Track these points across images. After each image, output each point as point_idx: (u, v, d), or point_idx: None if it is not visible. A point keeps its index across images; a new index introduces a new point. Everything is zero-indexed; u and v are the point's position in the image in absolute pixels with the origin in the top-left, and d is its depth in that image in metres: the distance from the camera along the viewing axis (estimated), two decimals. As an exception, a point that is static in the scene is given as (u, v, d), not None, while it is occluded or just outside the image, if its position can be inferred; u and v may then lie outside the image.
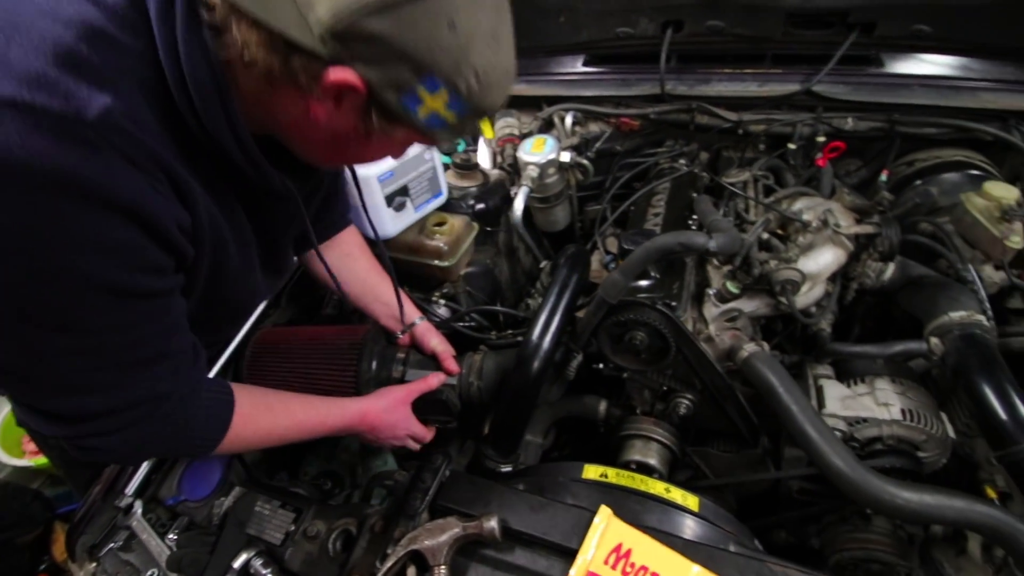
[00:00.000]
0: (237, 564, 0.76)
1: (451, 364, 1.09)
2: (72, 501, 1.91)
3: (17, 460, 1.96)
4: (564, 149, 1.40)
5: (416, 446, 1.07)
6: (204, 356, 0.77)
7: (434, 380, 1.05)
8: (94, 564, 0.84)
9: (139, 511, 0.86)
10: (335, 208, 1.10)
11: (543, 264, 1.37)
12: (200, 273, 0.70)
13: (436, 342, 1.11)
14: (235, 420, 0.77)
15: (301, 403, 0.90)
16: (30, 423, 0.65)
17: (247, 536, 0.81)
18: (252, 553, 0.77)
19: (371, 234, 1.19)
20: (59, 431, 0.64)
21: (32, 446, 2.02)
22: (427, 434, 1.06)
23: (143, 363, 0.65)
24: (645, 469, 1.02)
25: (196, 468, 0.90)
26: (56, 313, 0.56)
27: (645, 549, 0.65)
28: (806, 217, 1.11)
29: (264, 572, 0.75)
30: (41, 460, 1.94)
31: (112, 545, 0.84)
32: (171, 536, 0.84)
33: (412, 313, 1.14)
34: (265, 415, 0.84)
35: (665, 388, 1.09)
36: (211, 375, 1.02)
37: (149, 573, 0.81)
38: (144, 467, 0.89)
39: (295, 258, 1.08)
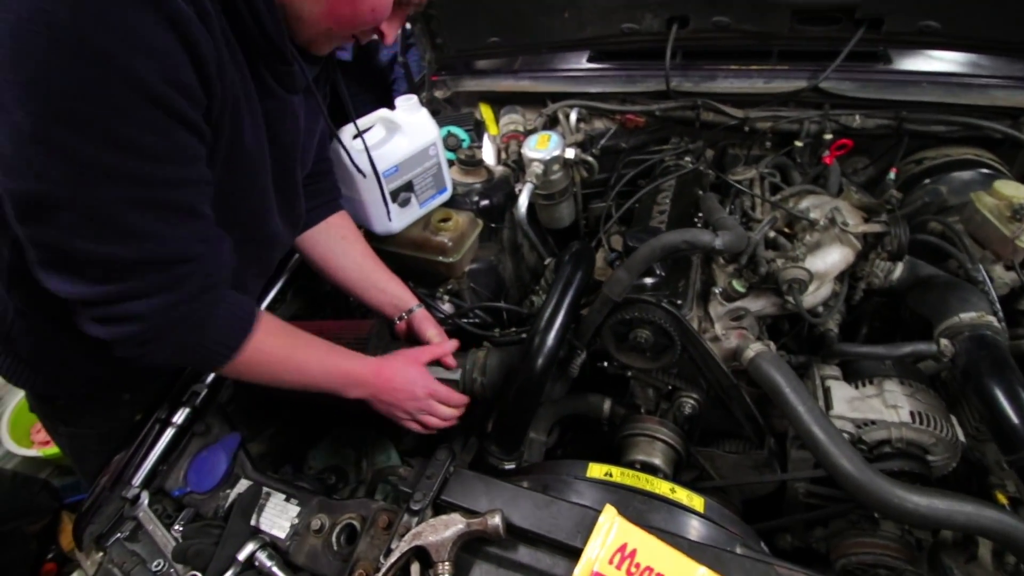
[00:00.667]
0: (242, 556, 0.76)
1: (445, 355, 1.07)
2: (80, 491, 1.93)
3: (25, 450, 1.99)
4: (568, 146, 1.39)
5: (439, 420, 1.01)
6: (229, 247, 0.76)
7: (448, 346, 1.04)
8: (101, 554, 0.84)
9: (145, 502, 0.86)
10: (327, 188, 1.10)
11: (547, 261, 1.36)
12: (220, 140, 0.68)
13: (433, 332, 1.10)
14: (256, 333, 0.78)
15: (322, 342, 0.91)
16: (61, 286, 0.64)
17: (252, 528, 0.81)
18: (257, 545, 0.77)
19: (375, 228, 1.19)
20: (90, 291, 0.63)
21: (41, 436, 2.04)
22: (452, 395, 1.02)
23: (181, 211, 0.65)
24: (649, 469, 1.02)
25: (202, 460, 0.90)
26: (101, 117, 0.55)
27: (651, 549, 0.65)
28: (813, 215, 1.10)
29: (268, 564, 0.76)
30: (49, 450, 1.96)
31: (119, 535, 0.85)
32: (177, 527, 0.84)
33: (409, 300, 1.13)
34: (286, 338, 0.85)
35: (670, 387, 1.09)
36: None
37: (155, 563, 0.81)
38: (151, 458, 0.89)
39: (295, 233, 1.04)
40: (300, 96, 0.86)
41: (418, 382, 0.98)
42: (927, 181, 1.28)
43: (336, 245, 1.11)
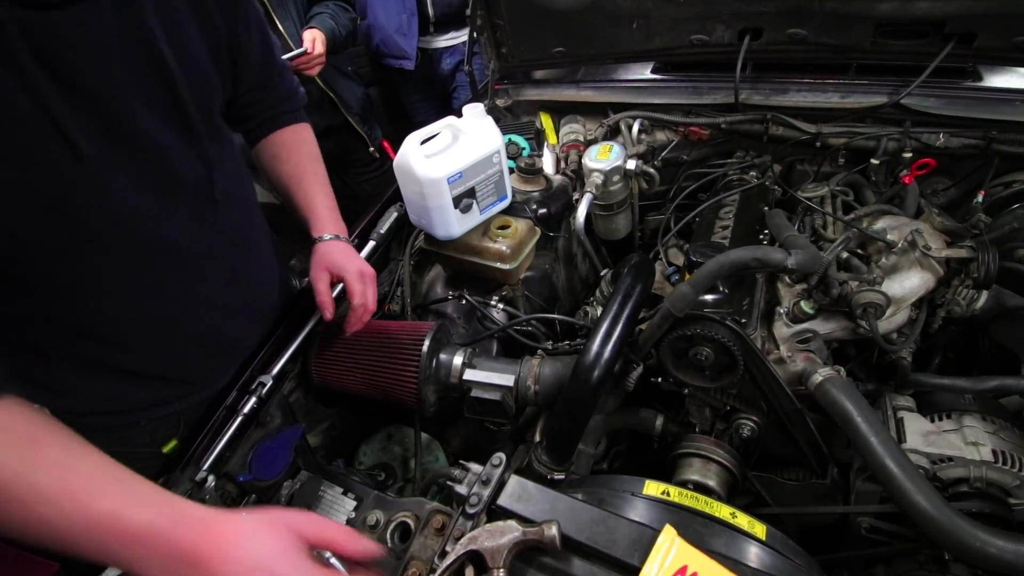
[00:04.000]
0: (302, 546, 0.78)
1: (324, 304, 0.91)
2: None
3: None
4: (630, 157, 1.38)
5: None
6: None
7: (352, 543, 0.63)
8: (169, 533, 0.89)
9: (212, 485, 0.90)
10: (270, 101, 1.01)
11: (604, 272, 1.35)
12: None
13: (321, 282, 0.96)
14: None
15: (102, 463, 0.55)
16: None
17: (311, 520, 0.84)
18: (316, 537, 0.79)
19: (437, 232, 1.21)
20: None
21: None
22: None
23: None
24: (703, 490, 0.99)
25: (266, 449, 0.93)
26: None
27: (711, 574, 0.63)
28: (891, 237, 1.05)
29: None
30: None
31: (186, 516, 0.89)
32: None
33: (321, 228, 1.02)
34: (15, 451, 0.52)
35: (728, 408, 1.05)
36: (282, 361, 1.06)
37: (219, 547, 0.84)
38: (220, 444, 0.93)
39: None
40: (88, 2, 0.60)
41: (278, 569, 0.54)
42: (1016, 206, 1.21)
43: (267, 165, 1.03)
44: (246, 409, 0.98)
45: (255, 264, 1.01)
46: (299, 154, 1.07)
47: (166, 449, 1.02)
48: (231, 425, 0.95)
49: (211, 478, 0.91)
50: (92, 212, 0.68)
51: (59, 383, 0.88)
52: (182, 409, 1.02)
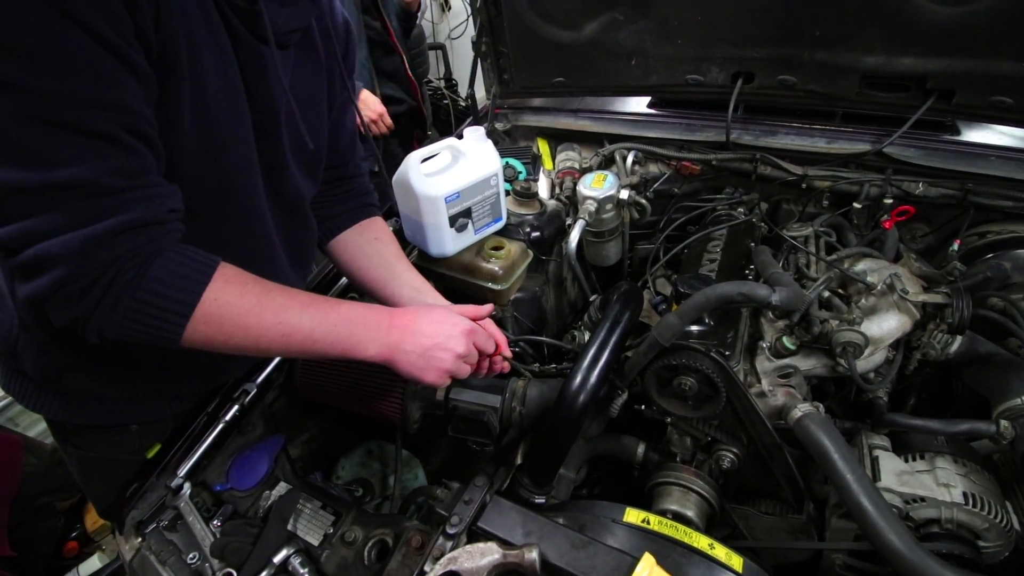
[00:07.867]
0: (277, 559, 0.77)
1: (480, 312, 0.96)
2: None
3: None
4: (623, 187, 1.42)
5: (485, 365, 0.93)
6: (179, 197, 0.66)
7: (487, 307, 0.96)
8: (139, 540, 0.87)
9: (187, 493, 0.88)
10: (359, 190, 1.12)
11: (593, 298, 1.37)
12: (175, 79, 0.62)
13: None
14: (214, 282, 0.66)
15: (307, 293, 0.76)
16: None
17: (288, 533, 0.83)
18: (292, 551, 0.78)
19: (431, 250, 1.23)
20: None
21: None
22: (496, 332, 0.94)
23: (91, 136, 0.57)
24: (682, 520, 0.99)
25: (246, 459, 0.92)
26: None
27: (687, 603, 0.64)
28: (870, 279, 1.08)
29: (302, 571, 0.77)
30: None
31: (158, 523, 0.87)
32: (215, 522, 0.86)
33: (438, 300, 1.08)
34: (255, 286, 0.70)
35: (709, 438, 1.07)
36: (268, 369, 1.06)
37: (191, 556, 0.83)
38: (198, 451, 0.92)
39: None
40: (289, 52, 0.79)
41: (447, 320, 0.83)
42: (990, 256, 1.26)
43: (368, 246, 1.08)
44: (228, 416, 0.97)
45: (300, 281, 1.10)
46: (395, 242, 1.14)
47: (150, 454, 1.01)
48: (211, 432, 0.94)
49: (187, 485, 0.90)
50: (237, 177, 0.79)
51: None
52: (175, 414, 1.02)
